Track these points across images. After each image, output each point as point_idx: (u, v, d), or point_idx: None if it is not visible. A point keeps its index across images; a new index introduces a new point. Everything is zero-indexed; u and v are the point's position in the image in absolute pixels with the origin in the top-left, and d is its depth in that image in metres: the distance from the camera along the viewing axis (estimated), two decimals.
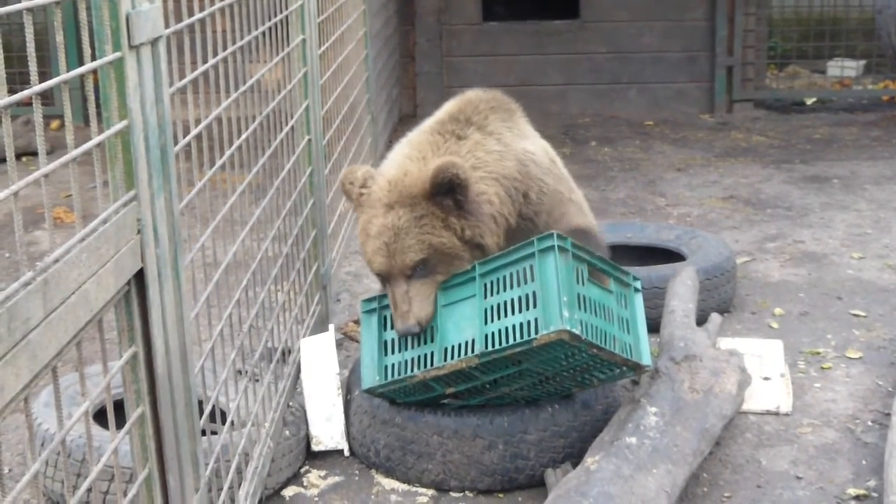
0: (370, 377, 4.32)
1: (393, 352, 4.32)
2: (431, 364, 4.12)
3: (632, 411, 4.14)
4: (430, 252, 4.15)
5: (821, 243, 7.23)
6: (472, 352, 4.00)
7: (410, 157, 4.36)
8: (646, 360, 4.16)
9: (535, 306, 3.91)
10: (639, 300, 4.31)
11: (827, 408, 4.91)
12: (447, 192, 4.11)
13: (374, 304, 4.43)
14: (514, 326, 3.95)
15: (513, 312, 3.98)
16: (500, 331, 3.98)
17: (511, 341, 3.92)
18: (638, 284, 4.32)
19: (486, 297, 4.07)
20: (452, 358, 4.06)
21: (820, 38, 12.61)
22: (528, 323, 3.90)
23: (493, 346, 3.96)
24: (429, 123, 4.59)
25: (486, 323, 4.02)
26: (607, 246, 4.87)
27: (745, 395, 4.61)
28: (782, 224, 7.67)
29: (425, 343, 4.20)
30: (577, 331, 3.83)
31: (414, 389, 4.25)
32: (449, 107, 4.65)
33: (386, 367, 4.31)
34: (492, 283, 4.08)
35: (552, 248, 3.92)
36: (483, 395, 4.24)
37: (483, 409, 4.26)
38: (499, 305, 4.03)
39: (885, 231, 7.44)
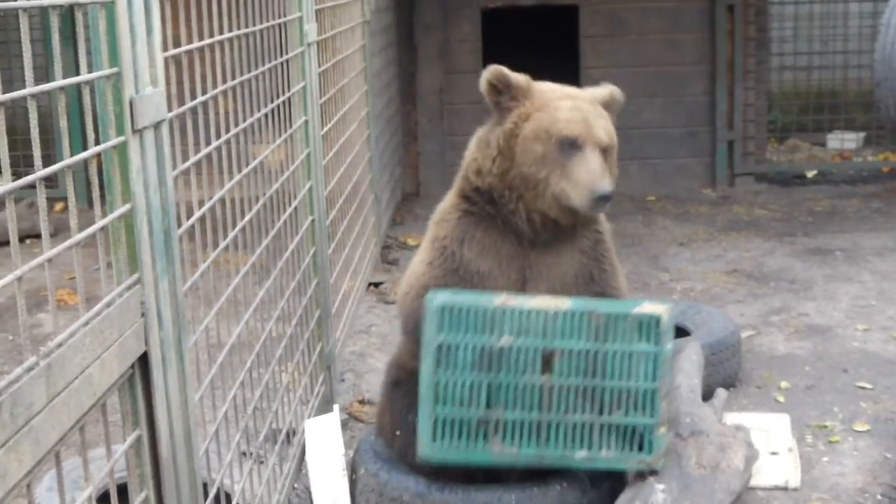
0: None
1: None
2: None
3: (639, 489, 4.11)
4: (612, 144, 4.31)
5: (825, 316, 7.22)
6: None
7: None
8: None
9: None
10: None
11: (836, 482, 4.88)
12: (614, 109, 4.46)
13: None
14: None
15: None
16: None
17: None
18: None
19: None
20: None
21: (819, 111, 12.69)
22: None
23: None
24: None
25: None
26: None
27: (753, 471, 4.57)
28: (786, 297, 7.67)
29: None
30: (667, 316, 4.07)
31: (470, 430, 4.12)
32: None
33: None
34: None
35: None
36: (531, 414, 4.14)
37: (491, 488, 4.22)
38: None
39: (890, 302, 7.43)
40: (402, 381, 4.51)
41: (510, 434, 4.12)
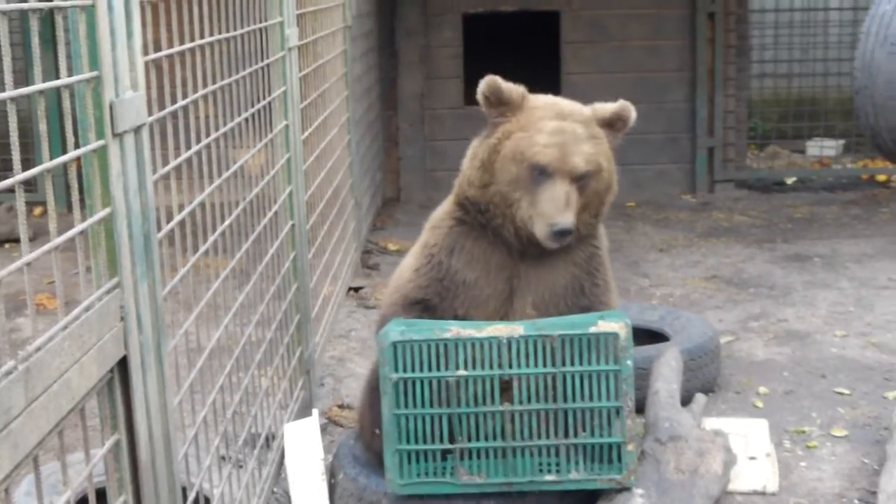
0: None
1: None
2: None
3: (617, 493, 4.12)
4: (595, 170, 4.20)
5: (804, 322, 7.24)
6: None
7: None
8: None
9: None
10: None
11: (813, 486, 4.89)
12: (620, 128, 4.32)
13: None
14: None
15: None
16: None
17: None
18: None
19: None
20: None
21: (799, 118, 12.75)
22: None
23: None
24: None
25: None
26: None
27: (731, 476, 4.59)
28: (765, 303, 7.69)
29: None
30: (625, 332, 4.04)
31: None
32: None
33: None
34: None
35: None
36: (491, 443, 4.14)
37: (471, 496, 4.23)
38: None
39: (868, 309, 7.46)
40: None
41: (476, 462, 4.15)
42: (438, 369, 4.07)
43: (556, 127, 4.21)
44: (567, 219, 4.07)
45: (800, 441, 5.37)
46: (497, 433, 4.11)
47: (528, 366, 4.06)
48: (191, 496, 3.31)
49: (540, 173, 4.16)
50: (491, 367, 4.07)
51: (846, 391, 5.99)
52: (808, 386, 6.10)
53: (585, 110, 4.32)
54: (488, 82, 4.31)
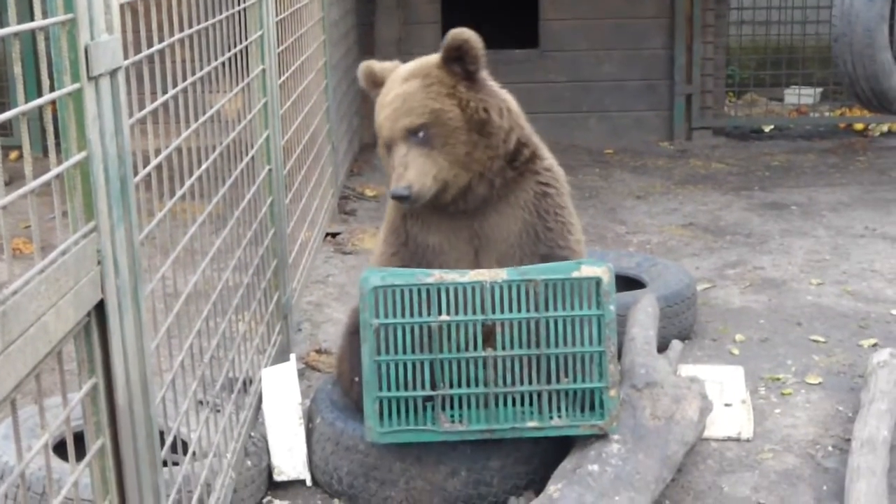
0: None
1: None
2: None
3: (595, 440, 4.14)
4: (431, 118, 4.17)
5: (780, 270, 7.27)
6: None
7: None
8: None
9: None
10: None
11: (788, 433, 4.93)
12: (457, 58, 4.23)
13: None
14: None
15: None
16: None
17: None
18: None
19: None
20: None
21: (777, 66, 12.73)
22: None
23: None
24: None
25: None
26: None
27: (707, 422, 4.62)
28: (742, 251, 7.72)
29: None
30: (608, 277, 4.04)
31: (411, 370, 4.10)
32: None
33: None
34: None
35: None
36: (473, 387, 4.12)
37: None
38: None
39: (844, 257, 7.50)
40: None
41: (457, 410, 4.13)
42: (420, 315, 4.05)
43: (394, 95, 4.27)
44: (399, 185, 4.12)
45: (775, 388, 5.41)
46: (479, 380, 4.10)
47: (510, 311, 4.06)
48: (168, 440, 3.32)
49: (387, 146, 4.28)
50: (474, 312, 4.06)
51: (821, 339, 6.03)
52: (784, 333, 6.14)
53: (433, 59, 4.34)
54: (361, 69, 4.49)
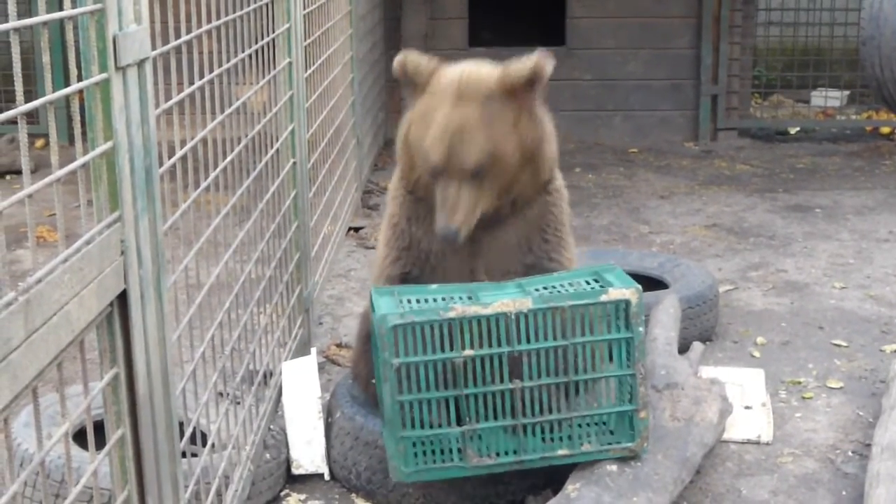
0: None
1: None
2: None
3: None
4: (492, 160, 4.02)
5: (803, 273, 7.25)
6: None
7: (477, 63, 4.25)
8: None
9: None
10: None
11: (808, 437, 4.91)
12: (529, 86, 4.06)
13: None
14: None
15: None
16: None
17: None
18: None
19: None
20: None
21: (804, 67, 12.67)
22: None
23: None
24: None
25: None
26: None
27: (727, 424, 4.61)
28: (765, 253, 7.69)
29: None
30: (637, 298, 3.90)
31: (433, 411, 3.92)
32: None
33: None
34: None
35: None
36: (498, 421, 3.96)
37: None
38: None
39: (867, 261, 7.46)
40: None
41: (485, 444, 3.97)
42: (443, 351, 3.85)
43: (447, 117, 4.05)
44: (450, 225, 4.01)
45: (795, 392, 5.39)
46: (507, 411, 3.93)
47: (537, 340, 3.88)
48: (188, 431, 3.32)
49: (433, 171, 4.10)
50: (499, 344, 3.87)
51: (843, 343, 6.00)
52: (806, 337, 6.11)
53: (491, 80, 4.10)
54: (399, 61, 4.22)
